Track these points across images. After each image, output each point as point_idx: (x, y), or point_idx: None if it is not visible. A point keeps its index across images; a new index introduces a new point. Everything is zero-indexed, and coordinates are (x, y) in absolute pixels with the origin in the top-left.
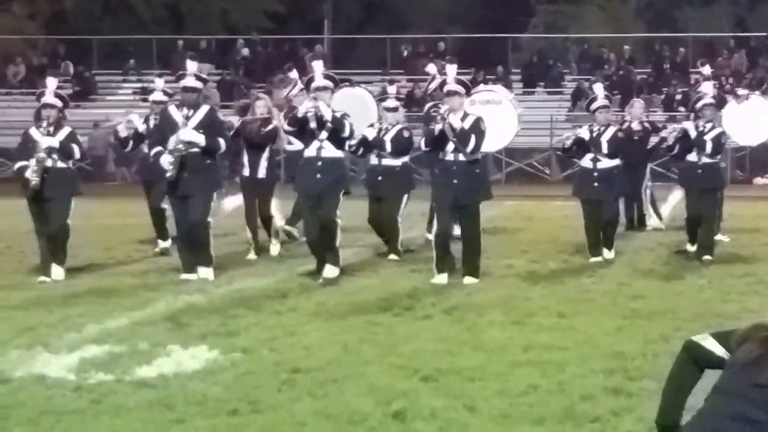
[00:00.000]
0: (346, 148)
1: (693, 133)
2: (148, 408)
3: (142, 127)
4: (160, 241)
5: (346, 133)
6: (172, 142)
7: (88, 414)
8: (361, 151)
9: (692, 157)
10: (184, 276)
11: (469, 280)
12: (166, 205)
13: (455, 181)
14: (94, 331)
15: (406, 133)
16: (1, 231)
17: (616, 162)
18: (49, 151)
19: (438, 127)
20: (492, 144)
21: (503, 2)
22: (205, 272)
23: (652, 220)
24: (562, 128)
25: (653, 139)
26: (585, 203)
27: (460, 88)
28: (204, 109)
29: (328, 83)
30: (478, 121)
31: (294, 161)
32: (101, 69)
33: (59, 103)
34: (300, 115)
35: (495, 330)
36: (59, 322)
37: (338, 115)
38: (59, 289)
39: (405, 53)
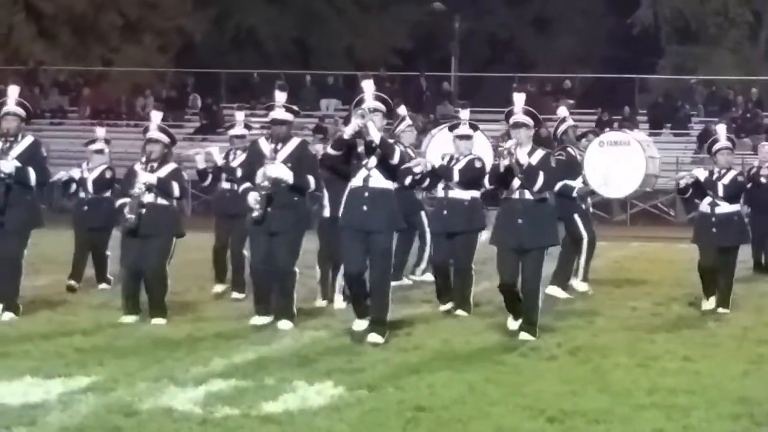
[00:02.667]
0: (406, 181)
1: None
2: None
3: (221, 161)
4: (218, 285)
5: (396, 159)
6: (259, 177)
7: None
8: (427, 182)
9: None
10: (256, 320)
11: (525, 336)
12: (246, 251)
13: (520, 221)
14: (220, 365)
15: (477, 164)
16: None
17: (736, 207)
18: (148, 187)
19: (504, 162)
20: (621, 188)
21: (632, 43)
22: (284, 324)
23: None
24: (687, 171)
25: None
26: (702, 249)
27: (528, 120)
28: (294, 141)
29: (380, 105)
30: (548, 156)
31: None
32: (229, 103)
33: (165, 139)
34: (347, 136)
35: (620, 372)
36: (186, 356)
37: (389, 140)
38: (185, 322)
39: (531, 92)
